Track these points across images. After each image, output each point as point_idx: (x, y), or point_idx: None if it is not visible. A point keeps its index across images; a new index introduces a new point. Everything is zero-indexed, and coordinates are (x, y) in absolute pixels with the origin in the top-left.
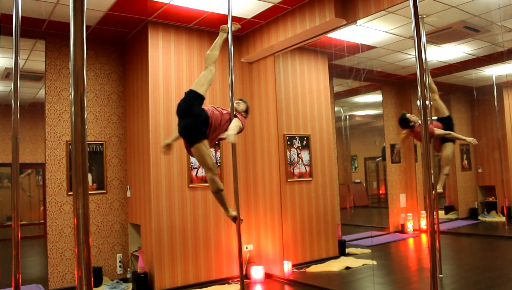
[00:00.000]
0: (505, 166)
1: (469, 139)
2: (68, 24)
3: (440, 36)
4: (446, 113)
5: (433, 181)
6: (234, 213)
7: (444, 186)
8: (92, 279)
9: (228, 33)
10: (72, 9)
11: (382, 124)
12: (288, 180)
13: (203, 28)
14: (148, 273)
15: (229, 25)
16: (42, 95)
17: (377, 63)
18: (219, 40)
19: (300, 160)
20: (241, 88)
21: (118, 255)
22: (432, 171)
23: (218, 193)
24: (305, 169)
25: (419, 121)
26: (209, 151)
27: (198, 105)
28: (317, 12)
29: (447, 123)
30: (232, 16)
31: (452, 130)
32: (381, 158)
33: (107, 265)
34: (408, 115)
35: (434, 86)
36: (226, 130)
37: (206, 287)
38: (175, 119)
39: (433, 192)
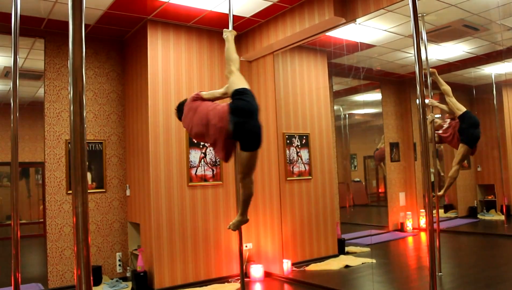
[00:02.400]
0: (504, 164)
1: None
2: (67, 22)
3: (440, 34)
4: (462, 109)
5: (432, 180)
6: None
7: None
8: (92, 278)
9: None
10: (71, 7)
11: (381, 123)
12: (288, 178)
13: (202, 26)
14: (148, 271)
15: (230, 23)
16: (41, 94)
17: (376, 62)
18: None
19: (299, 158)
20: None
21: (117, 254)
22: (432, 170)
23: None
24: (305, 167)
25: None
26: None
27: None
28: (316, 11)
29: (462, 120)
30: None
31: (468, 133)
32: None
33: (106, 264)
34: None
35: (446, 87)
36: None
37: (205, 285)
38: (173, 118)
39: (433, 193)
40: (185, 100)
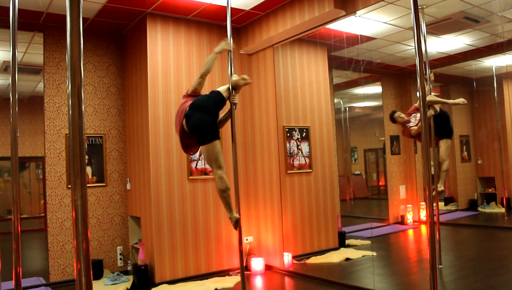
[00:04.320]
0: (504, 157)
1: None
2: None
3: (440, 27)
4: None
5: (432, 173)
6: (237, 215)
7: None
8: (92, 272)
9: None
10: (68, 0)
11: (381, 116)
12: (288, 172)
13: (201, 19)
14: (149, 265)
15: (228, 18)
16: (41, 88)
17: (376, 54)
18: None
19: (299, 151)
20: None
21: (118, 247)
22: (432, 163)
23: (225, 192)
24: (305, 160)
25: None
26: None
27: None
28: (316, 3)
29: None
30: (231, 8)
31: (447, 127)
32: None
33: (107, 257)
34: (396, 115)
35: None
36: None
37: (206, 279)
38: (174, 111)
39: (433, 187)
40: None
